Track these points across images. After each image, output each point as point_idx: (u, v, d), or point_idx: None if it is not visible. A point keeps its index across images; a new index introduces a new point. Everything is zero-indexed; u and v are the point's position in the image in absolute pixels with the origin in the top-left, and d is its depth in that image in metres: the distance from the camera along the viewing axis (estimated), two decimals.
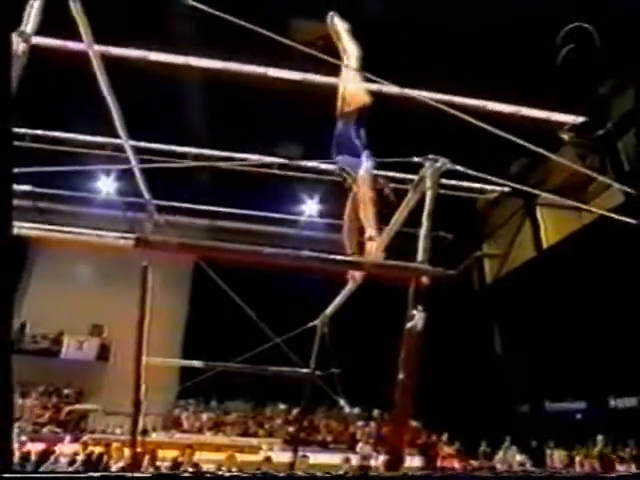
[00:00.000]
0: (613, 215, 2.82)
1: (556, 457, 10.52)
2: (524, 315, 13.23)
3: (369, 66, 2.70)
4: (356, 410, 12.94)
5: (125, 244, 2.12)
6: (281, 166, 10.85)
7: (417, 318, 2.19)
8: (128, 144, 3.77)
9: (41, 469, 7.04)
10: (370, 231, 2.76)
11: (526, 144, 2.81)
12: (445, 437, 12.28)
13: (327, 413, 13.36)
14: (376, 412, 13.46)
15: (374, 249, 2.72)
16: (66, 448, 8.64)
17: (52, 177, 11.41)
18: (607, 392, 10.51)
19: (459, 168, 2.35)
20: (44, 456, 7.95)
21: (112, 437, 9.86)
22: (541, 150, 3.11)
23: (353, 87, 3.26)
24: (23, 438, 9.21)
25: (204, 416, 13.02)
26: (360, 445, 11.25)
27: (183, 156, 10.54)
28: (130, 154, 3.90)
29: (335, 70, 3.70)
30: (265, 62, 8.98)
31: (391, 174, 11.19)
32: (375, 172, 3.00)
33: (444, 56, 9.03)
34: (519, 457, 10.54)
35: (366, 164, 2.94)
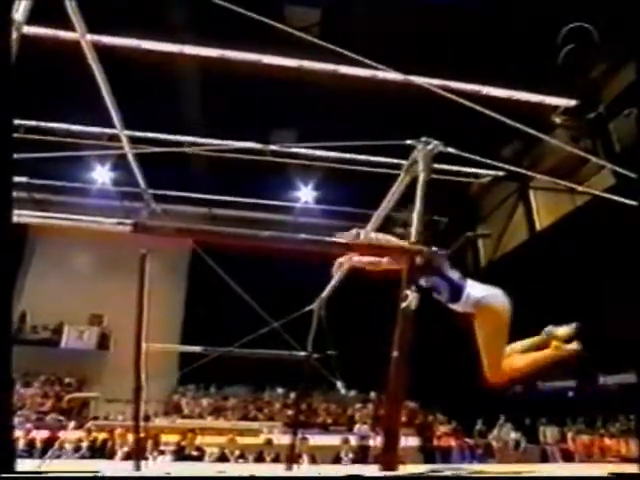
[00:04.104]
0: (608, 195, 2.88)
1: (549, 433, 10.82)
2: (517, 297, 13.39)
3: (365, 52, 2.69)
4: (352, 393, 13.18)
5: (122, 229, 2.12)
6: (275, 153, 10.85)
7: (411, 298, 2.25)
8: (123, 133, 3.77)
9: (47, 456, 7.17)
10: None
11: (520, 126, 2.84)
12: (441, 416, 12.57)
13: (325, 396, 13.60)
14: (373, 394, 13.71)
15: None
16: (70, 435, 8.79)
17: (48, 168, 11.35)
18: (597, 370, 10.77)
19: (451, 150, 2.39)
20: (49, 443, 8.09)
21: (115, 423, 10.03)
22: (534, 132, 3.14)
23: None
24: (28, 426, 9.38)
25: (204, 401, 13.22)
26: (358, 426, 11.49)
27: (179, 145, 10.49)
28: (125, 143, 3.91)
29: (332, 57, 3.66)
30: (260, 49, 8.92)
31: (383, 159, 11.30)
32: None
33: (436, 41, 9.00)
34: (514, 434, 10.81)
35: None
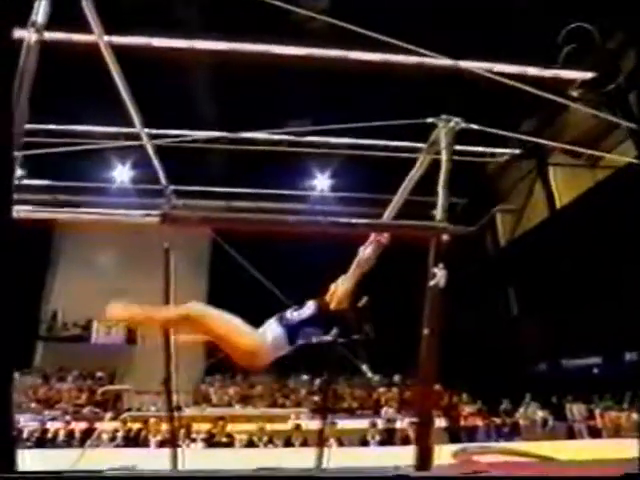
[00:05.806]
0: (629, 159, 2.81)
1: (575, 410, 10.74)
2: (539, 275, 13.25)
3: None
4: (377, 377, 13.25)
5: (151, 221, 2.14)
6: (291, 143, 10.87)
7: (439, 276, 2.20)
8: (143, 132, 3.82)
9: (85, 445, 7.49)
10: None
11: (542, 93, 2.72)
12: (465, 397, 12.59)
13: (349, 382, 13.73)
14: (397, 377, 13.80)
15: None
16: (107, 425, 9.13)
17: (70, 170, 11.62)
18: (623, 346, 10.59)
19: (474, 127, 2.37)
20: (87, 433, 8.43)
21: (149, 414, 10.32)
22: (560, 99, 3.01)
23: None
24: (67, 418, 9.86)
25: (231, 390, 13.49)
26: (385, 409, 11.59)
27: (195, 140, 10.61)
28: (145, 140, 3.97)
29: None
30: (271, 40, 8.89)
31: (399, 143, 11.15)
32: None
33: (449, 17, 8.80)
34: (540, 413, 10.76)
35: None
